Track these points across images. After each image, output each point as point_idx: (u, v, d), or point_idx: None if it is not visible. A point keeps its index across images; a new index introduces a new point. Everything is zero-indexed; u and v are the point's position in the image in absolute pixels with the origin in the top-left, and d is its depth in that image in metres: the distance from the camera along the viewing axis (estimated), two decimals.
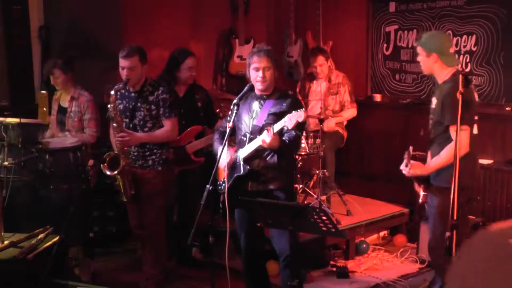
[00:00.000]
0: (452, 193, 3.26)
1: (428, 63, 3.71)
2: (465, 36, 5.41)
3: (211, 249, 3.75)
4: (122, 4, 5.78)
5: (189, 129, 4.78)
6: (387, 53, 6.16)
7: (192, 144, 4.80)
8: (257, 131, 3.72)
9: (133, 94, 4.23)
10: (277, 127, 3.53)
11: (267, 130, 3.54)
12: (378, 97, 6.28)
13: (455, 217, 3.27)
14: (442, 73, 3.71)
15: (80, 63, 5.09)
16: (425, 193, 3.80)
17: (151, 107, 4.19)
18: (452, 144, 3.58)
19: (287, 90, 3.98)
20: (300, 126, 3.77)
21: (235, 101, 3.68)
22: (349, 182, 6.35)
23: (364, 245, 5.28)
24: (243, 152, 3.74)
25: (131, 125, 4.24)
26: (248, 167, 3.73)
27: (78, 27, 5.51)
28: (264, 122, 3.72)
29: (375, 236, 5.57)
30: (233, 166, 3.80)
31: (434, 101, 3.76)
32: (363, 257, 5.20)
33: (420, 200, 3.85)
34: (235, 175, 3.77)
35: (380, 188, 6.19)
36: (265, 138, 3.54)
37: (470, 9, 5.40)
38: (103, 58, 5.49)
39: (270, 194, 3.76)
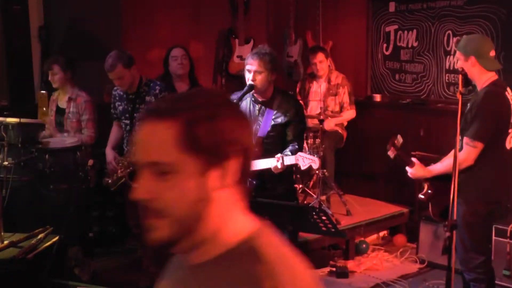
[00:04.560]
0: (452, 193, 3.26)
1: (467, 68, 3.52)
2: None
3: None
4: (122, 4, 5.78)
5: None
6: (387, 53, 6.16)
7: None
8: (261, 143, 3.70)
9: (130, 96, 4.24)
10: (288, 160, 3.50)
11: (278, 159, 3.51)
12: (378, 97, 6.27)
13: (454, 217, 3.27)
14: (481, 79, 3.53)
15: (80, 63, 5.08)
16: (429, 191, 3.73)
17: None
18: (457, 155, 3.46)
19: (288, 92, 3.95)
20: (301, 136, 3.75)
21: (235, 101, 3.68)
22: (349, 182, 6.35)
23: (364, 245, 5.28)
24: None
25: (131, 126, 4.25)
26: (254, 182, 3.70)
27: (78, 27, 5.50)
28: (267, 134, 3.70)
29: (374, 236, 5.58)
30: None
31: (468, 106, 3.61)
32: (362, 257, 5.20)
33: (421, 196, 3.79)
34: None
35: (380, 188, 6.19)
36: (277, 168, 3.53)
37: (470, 9, 5.40)
38: (103, 58, 5.47)
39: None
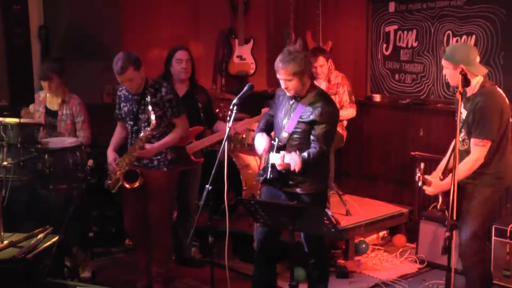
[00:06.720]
0: (452, 191, 3.26)
1: (456, 76, 3.64)
2: (464, 36, 5.41)
3: (211, 249, 3.75)
4: (122, 4, 5.79)
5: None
6: (386, 53, 6.16)
7: (192, 144, 4.80)
8: (285, 140, 3.75)
9: (135, 97, 4.22)
10: (288, 158, 3.53)
11: (281, 157, 3.54)
12: (377, 97, 6.28)
13: (454, 217, 3.28)
14: (471, 84, 3.67)
15: (80, 63, 5.08)
16: (444, 200, 3.79)
17: (155, 108, 4.18)
18: (469, 158, 3.65)
19: (326, 93, 3.90)
20: (325, 138, 3.70)
21: (234, 101, 3.68)
22: (348, 182, 6.35)
23: (364, 245, 5.28)
24: (272, 158, 3.73)
25: (135, 127, 4.23)
26: (274, 173, 3.72)
27: (78, 27, 5.50)
28: (293, 130, 3.74)
29: (374, 236, 5.57)
30: (265, 165, 3.84)
31: (464, 112, 3.72)
32: (362, 257, 5.20)
33: (439, 206, 3.86)
34: (264, 176, 3.81)
35: (380, 188, 6.19)
36: (279, 165, 3.59)
37: (469, 9, 5.40)
38: (103, 58, 5.48)
39: (297, 197, 3.77)
